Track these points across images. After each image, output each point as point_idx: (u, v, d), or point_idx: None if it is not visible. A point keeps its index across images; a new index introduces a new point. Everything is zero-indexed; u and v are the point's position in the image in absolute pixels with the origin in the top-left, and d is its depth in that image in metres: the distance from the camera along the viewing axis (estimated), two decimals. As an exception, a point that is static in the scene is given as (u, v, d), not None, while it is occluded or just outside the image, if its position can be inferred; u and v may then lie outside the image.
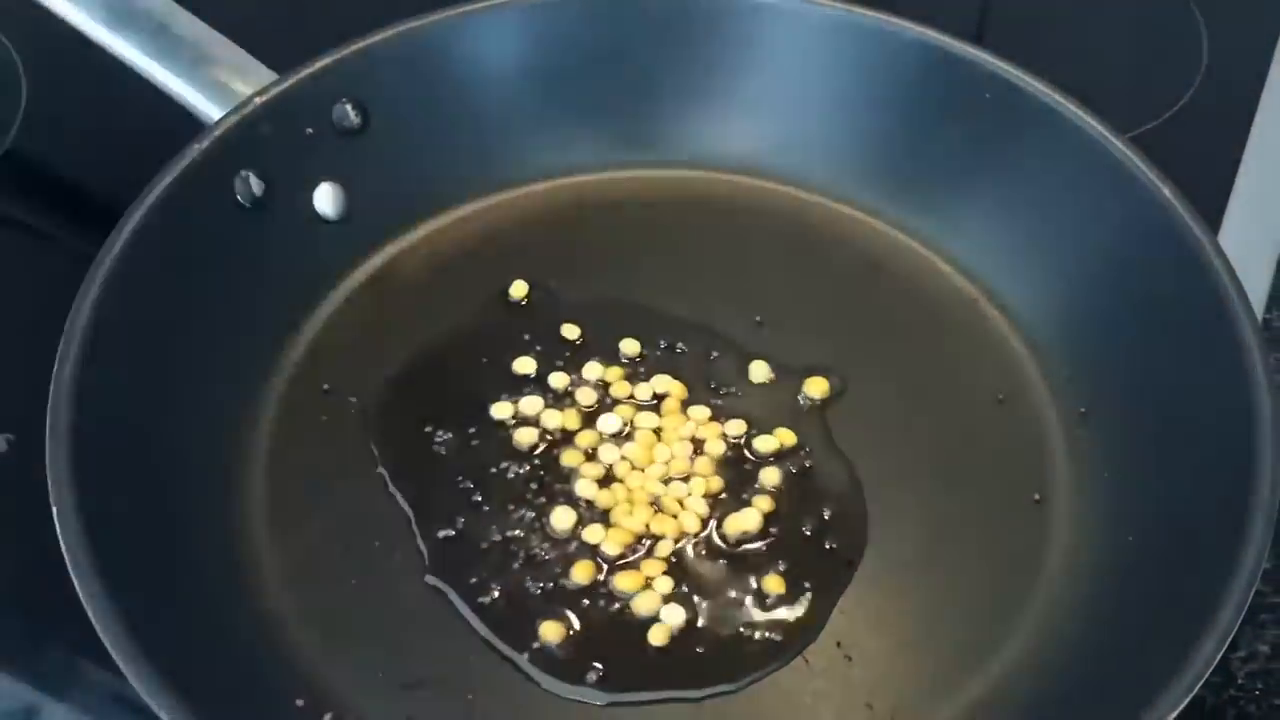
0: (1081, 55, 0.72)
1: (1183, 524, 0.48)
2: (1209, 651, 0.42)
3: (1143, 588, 0.47)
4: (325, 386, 0.55)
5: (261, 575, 0.50)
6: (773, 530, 0.51)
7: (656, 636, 0.48)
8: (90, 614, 0.42)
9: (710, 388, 0.55)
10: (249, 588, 0.49)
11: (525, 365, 0.56)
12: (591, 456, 0.53)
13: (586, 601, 0.49)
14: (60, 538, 0.44)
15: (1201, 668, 0.41)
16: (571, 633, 0.48)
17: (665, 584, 0.49)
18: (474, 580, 0.50)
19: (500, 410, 0.54)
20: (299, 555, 0.50)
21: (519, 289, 0.59)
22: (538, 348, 0.56)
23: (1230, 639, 0.42)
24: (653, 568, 0.50)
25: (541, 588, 0.50)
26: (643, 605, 0.49)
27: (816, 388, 0.55)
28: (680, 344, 0.57)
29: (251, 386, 0.55)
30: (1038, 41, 0.72)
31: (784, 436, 0.54)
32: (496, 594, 0.49)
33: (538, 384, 0.55)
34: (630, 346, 0.56)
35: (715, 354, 0.56)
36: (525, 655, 0.48)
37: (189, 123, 0.57)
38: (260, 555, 0.50)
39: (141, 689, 0.41)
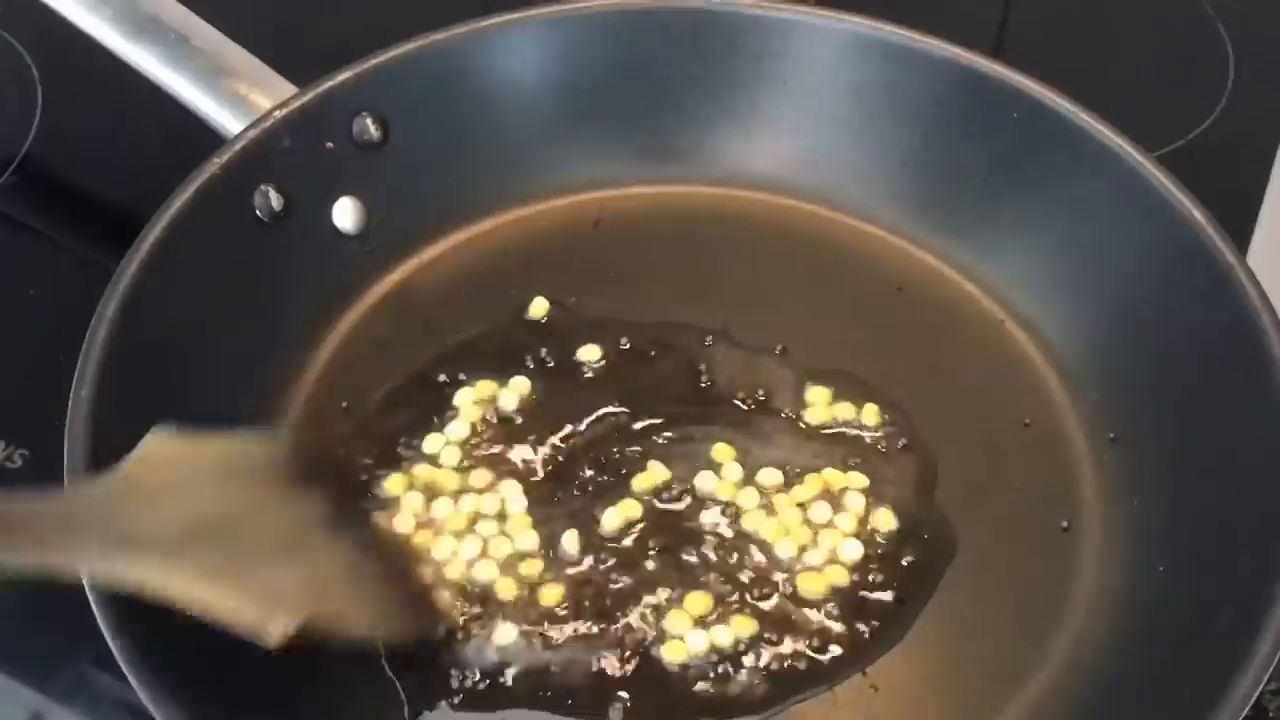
0: (1105, 74, 0.72)
1: (1215, 552, 0.47)
2: (1246, 687, 0.41)
3: (1175, 620, 0.47)
4: (345, 404, 0.55)
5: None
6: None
7: (671, 653, 0.48)
8: (100, 622, 0.42)
9: (733, 403, 0.55)
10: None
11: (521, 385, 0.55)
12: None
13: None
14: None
15: (1239, 705, 0.41)
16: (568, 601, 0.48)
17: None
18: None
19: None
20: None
21: (539, 307, 0.58)
22: (553, 365, 0.56)
23: (1269, 674, 0.41)
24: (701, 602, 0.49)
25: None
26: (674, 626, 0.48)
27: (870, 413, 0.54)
28: (703, 365, 0.56)
29: (269, 402, 0.54)
30: (1060, 60, 0.72)
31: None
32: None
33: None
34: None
35: (738, 374, 0.55)
36: (548, 693, 0.47)
37: (206, 135, 0.56)
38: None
39: (149, 699, 0.41)
